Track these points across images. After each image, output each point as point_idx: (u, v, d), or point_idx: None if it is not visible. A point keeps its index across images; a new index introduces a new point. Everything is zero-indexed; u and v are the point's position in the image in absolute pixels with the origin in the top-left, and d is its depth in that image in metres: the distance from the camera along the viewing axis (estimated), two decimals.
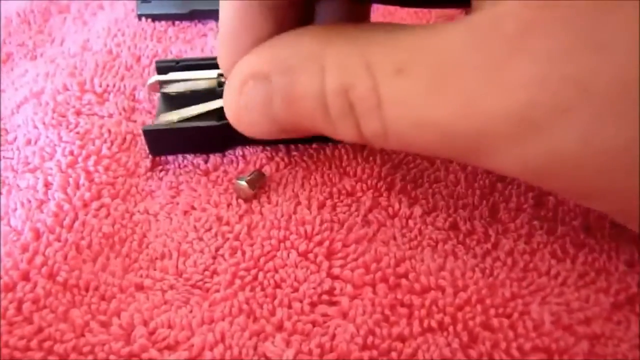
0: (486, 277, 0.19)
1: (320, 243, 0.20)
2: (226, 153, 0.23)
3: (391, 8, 0.32)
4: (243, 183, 0.21)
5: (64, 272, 0.19)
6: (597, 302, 0.18)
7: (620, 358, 0.17)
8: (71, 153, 0.23)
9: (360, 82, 0.15)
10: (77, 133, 0.23)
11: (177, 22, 0.31)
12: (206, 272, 0.19)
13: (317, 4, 0.20)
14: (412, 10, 0.32)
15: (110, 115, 0.25)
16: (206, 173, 0.23)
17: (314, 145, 0.23)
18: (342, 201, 0.21)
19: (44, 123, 0.24)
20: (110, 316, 0.18)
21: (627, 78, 0.12)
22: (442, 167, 0.23)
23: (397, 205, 0.21)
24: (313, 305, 0.18)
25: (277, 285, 0.19)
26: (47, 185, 0.21)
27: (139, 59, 0.28)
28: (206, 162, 0.23)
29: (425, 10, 0.32)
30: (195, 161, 0.23)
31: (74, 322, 0.18)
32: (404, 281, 0.19)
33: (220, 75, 0.23)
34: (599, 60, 0.12)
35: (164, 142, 0.23)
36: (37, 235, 0.20)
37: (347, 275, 0.19)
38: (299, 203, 0.21)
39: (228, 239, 0.20)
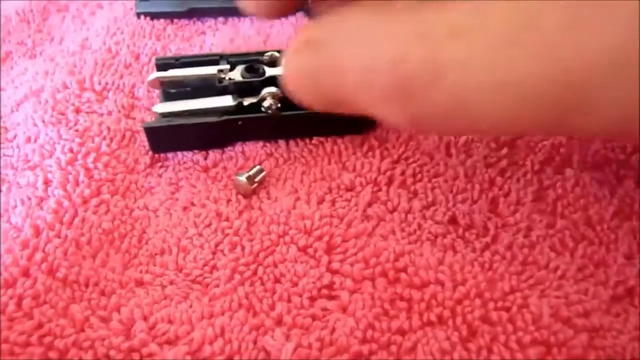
0: (485, 271, 0.19)
1: (319, 238, 0.20)
2: (225, 149, 0.23)
3: None
4: (242, 179, 0.21)
5: (64, 268, 0.19)
6: (596, 294, 0.18)
7: (619, 350, 0.17)
8: (71, 150, 0.23)
9: (414, 51, 0.13)
10: (77, 130, 0.23)
11: (175, 20, 0.31)
12: (206, 268, 0.19)
13: None
14: None
15: (110, 113, 0.25)
16: (205, 169, 0.23)
17: (313, 141, 0.23)
18: (341, 196, 0.21)
19: (43, 121, 0.24)
20: (110, 311, 0.18)
21: None
22: (441, 161, 0.23)
23: (396, 200, 0.21)
24: (313, 299, 0.18)
25: (277, 280, 0.19)
26: (47, 182, 0.22)
27: (137, 57, 0.28)
28: (205, 158, 0.23)
29: None
30: (194, 157, 0.23)
31: (74, 318, 0.18)
32: (403, 275, 0.19)
33: (220, 71, 0.23)
34: None
35: (164, 139, 0.23)
36: (37, 232, 0.20)
37: (346, 269, 0.19)
38: (298, 198, 0.21)
39: (228, 234, 0.20)
